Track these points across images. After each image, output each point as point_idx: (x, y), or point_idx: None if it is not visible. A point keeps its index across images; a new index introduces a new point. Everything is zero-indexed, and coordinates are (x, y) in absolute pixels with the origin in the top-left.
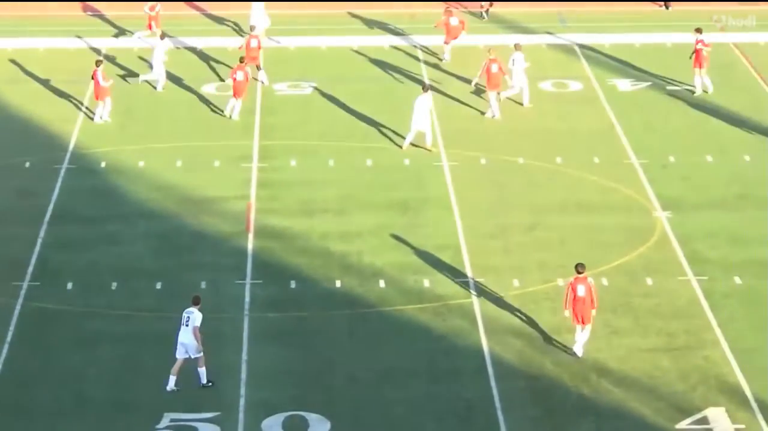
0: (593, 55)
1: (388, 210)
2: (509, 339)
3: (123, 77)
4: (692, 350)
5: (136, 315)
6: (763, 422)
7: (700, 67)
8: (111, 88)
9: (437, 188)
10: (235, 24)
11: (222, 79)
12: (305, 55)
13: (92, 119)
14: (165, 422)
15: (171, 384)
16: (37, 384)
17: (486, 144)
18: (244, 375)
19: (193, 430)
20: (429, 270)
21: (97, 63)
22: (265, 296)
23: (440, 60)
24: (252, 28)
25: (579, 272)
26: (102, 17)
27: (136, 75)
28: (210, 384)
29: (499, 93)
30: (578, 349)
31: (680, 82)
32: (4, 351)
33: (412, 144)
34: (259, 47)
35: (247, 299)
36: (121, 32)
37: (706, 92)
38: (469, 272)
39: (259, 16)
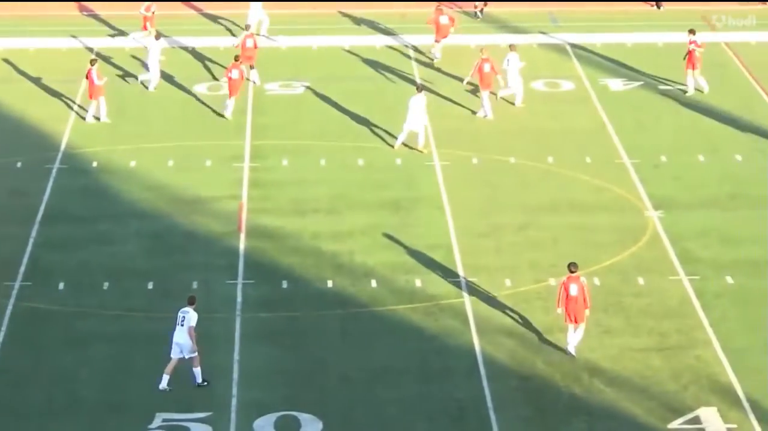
0: (585, 54)
1: (379, 210)
2: (501, 339)
3: (122, 78)
4: (684, 349)
5: (127, 315)
6: (755, 421)
7: (693, 68)
8: (104, 87)
9: (429, 187)
10: (228, 24)
11: (216, 78)
12: (297, 55)
13: (84, 118)
14: (157, 422)
15: (163, 383)
16: (29, 384)
17: (478, 144)
18: (236, 375)
19: (185, 430)
20: (421, 270)
21: (92, 62)
22: (257, 296)
23: (431, 60)
24: (247, 27)
25: (572, 272)
26: (94, 17)
27: (131, 75)
28: (205, 383)
29: (492, 93)
30: (572, 349)
31: (672, 82)
32: None
33: (404, 144)
34: (255, 46)
35: (239, 299)
36: (114, 32)
37: (702, 92)
38: (460, 272)
39: (258, 15)
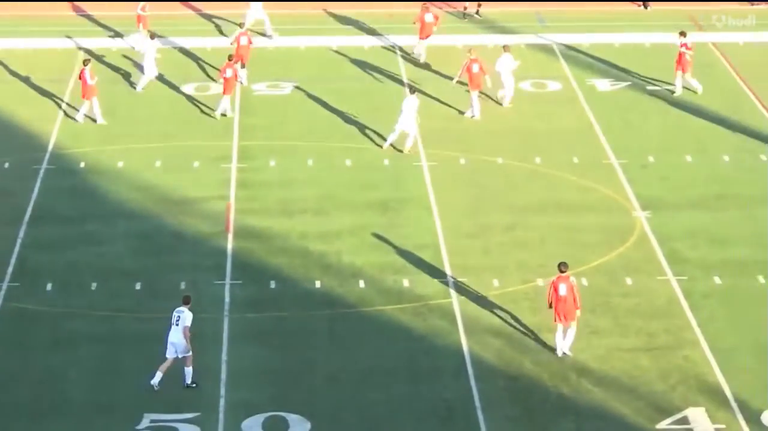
0: (572, 54)
1: (367, 210)
2: (489, 339)
3: (113, 78)
4: (672, 350)
5: (115, 316)
6: (743, 422)
7: (684, 71)
8: (97, 87)
9: (416, 188)
10: (217, 24)
11: (211, 78)
12: (284, 56)
13: (74, 118)
14: (145, 423)
15: (155, 379)
16: (17, 385)
17: (465, 144)
18: (224, 376)
19: None
20: (409, 270)
21: (85, 62)
22: (245, 297)
23: (415, 58)
24: (241, 25)
25: (561, 271)
26: (85, 17)
27: (121, 75)
28: (194, 385)
29: (482, 93)
30: (567, 350)
31: (660, 82)
32: None
33: (392, 146)
34: (250, 43)
35: (227, 299)
36: (105, 32)
37: (696, 93)
38: (448, 272)
39: (256, 15)
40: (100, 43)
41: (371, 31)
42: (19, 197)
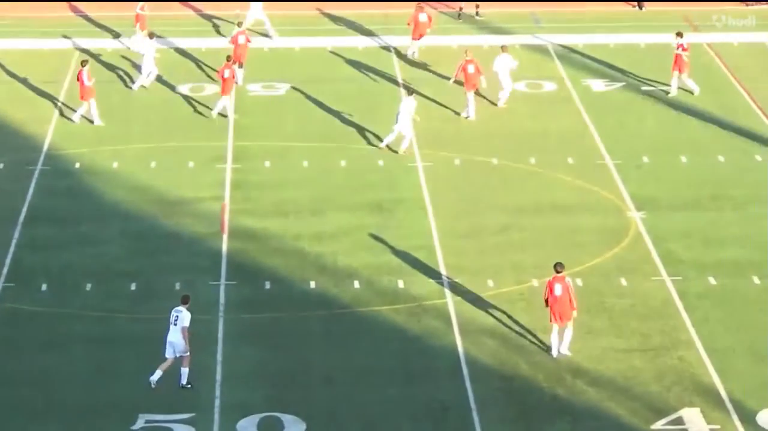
0: (567, 55)
1: (362, 211)
2: (484, 340)
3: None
4: (667, 350)
5: (110, 316)
6: (737, 422)
7: (680, 71)
8: (94, 88)
9: (411, 188)
10: (213, 24)
11: (210, 78)
12: (279, 56)
13: (70, 119)
14: (140, 423)
15: (155, 377)
16: (11, 386)
17: (460, 145)
18: (219, 376)
19: None
20: (403, 271)
21: (83, 63)
22: (240, 297)
23: (410, 58)
24: (239, 24)
25: (557, 272)
26: (82, 17)
27: (121, 76)
28: (189, 386)
29: (478, 94)
30: (564, 348)
31: (655, 83)
32: None
33: (388, 147)
34: (247, 41)
35: (222, 300)
36: (101, 32)
37: (692, 94)
38: (443, 273)
39: (256, 15)
40: (96, 43)
41: (366, 32)
42: (14, 198)
